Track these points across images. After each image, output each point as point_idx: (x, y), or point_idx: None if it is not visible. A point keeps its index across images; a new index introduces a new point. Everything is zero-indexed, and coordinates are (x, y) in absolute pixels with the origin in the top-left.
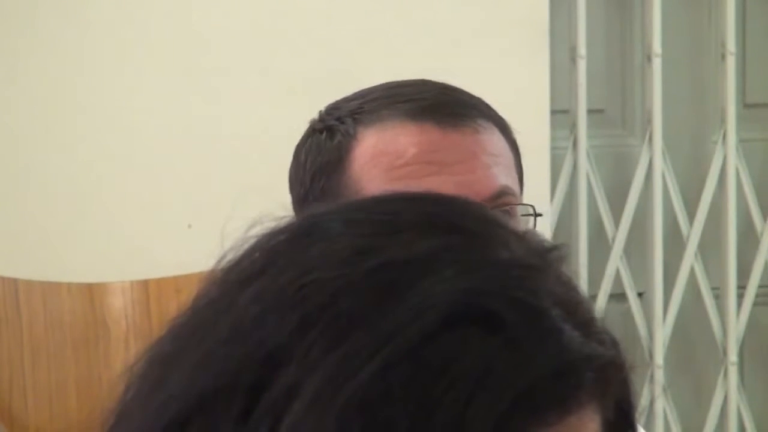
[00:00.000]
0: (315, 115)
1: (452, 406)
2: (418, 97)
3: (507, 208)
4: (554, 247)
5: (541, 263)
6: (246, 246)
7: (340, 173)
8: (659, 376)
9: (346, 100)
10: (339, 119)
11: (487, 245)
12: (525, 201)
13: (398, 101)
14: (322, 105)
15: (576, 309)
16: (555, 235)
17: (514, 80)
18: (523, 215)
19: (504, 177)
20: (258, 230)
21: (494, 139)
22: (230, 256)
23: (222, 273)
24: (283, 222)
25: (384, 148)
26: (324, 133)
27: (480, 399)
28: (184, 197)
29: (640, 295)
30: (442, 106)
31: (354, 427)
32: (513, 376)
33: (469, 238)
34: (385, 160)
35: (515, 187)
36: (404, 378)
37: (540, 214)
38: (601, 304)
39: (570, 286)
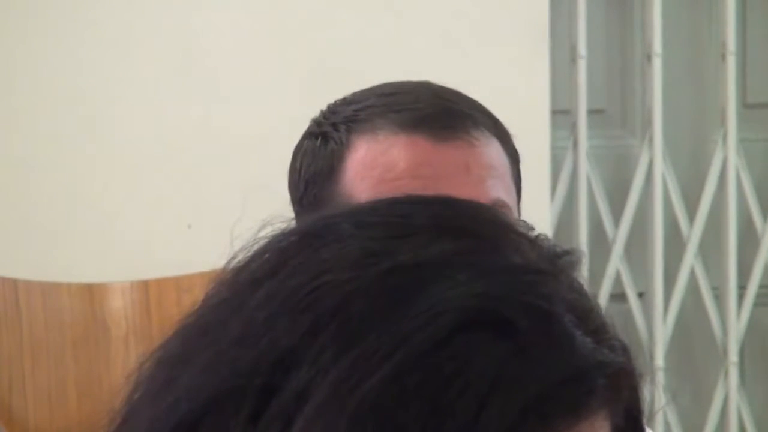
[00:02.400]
0: (315, 114)
1: (464, 411)
2: (413, 107)
3: None
4: (566, 253)
5: (553, 269)
6: (256, 247)
7: (331, 183)
8: (660, 376)
9: (345, 102)
10: (334, 125)
11: (500, 250)
12: (525, 201)
13: (392, 110)
14: (321, 104)
15: (587, 315)
16: (555, 235)
17: (514, 80)
18: None
19: (497, 190)
20: (269, 231)
21: (490, 151)
22: (240, 257)
23: (232, 274)
24: (294, 223)
25: (374, 160)
26: (319, 139)
27: (492, 405)
28: (184, 197)
29: (640, 295)
30: (436, 118)
31: None
32: (525, 382)
33: (482, 243)
34: (375, 174)
35: (510, 199)
36: (416, 383)
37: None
38: (601, 305)
39: (582, 292)
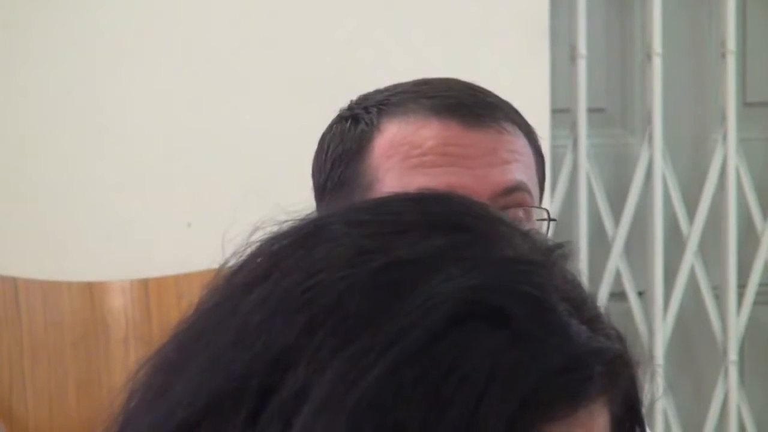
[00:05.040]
0: (315, 114)
1: (463, 403)
2: (446, 95)
3: (521, 214)
4: (558, 245)
5: (545, 260)
6: (249, 251)
7: (359, 161)
8: (659, 374)
9: (377, 91)
10: (365, 109)
11: (492, 243)
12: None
13: (425, 96)
14: (321, 104)
15: (582, 305)
16: (555, 234)
17: (513, 79)
18: (537, 220)
19: (521, 173)
20: (260, 235)
21: (517, 141)
22: (233, 262)
23: (225, 278)
24: (286, 226)
25: (404, 138)
26: (349, 121)
27: (491, 395)
28: (184, 196)
29: (640, 294)
30: (468, 106)
31: (365, 428)
32: (523, 372)
33: (474, 237)
34: (402, 150)
35: (532, 186)
36: (414, 377)
37: (554, 219)
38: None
39: (575, 283)
